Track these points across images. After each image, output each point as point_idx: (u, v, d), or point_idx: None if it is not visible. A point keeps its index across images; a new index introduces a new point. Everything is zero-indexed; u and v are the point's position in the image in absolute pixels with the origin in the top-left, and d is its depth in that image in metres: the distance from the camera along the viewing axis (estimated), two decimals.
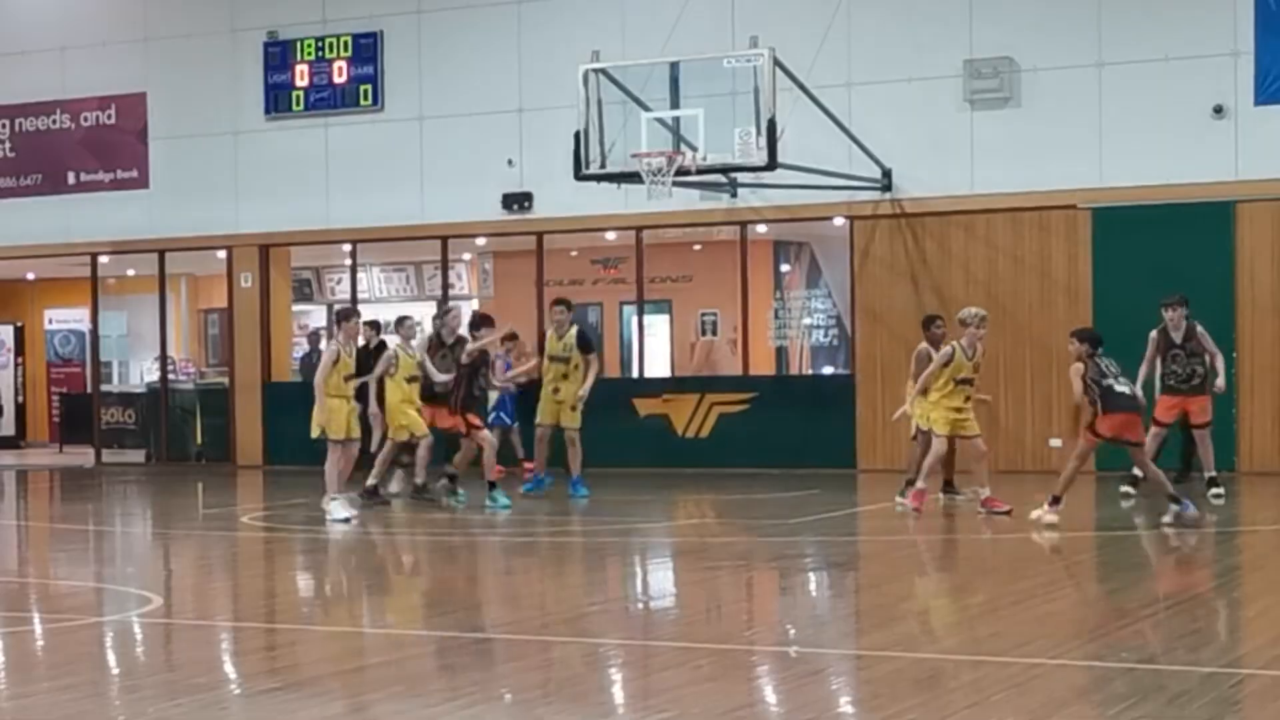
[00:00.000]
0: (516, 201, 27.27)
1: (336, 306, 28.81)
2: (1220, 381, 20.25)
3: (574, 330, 21.47)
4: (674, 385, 27.56)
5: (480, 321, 21.58)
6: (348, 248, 29.66)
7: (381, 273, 34.40)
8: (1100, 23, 24.29)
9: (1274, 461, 23.43)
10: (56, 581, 15.91)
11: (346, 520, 18.85)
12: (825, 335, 29.24)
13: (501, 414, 23.46)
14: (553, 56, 26.14)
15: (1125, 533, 17.94)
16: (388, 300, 33.90)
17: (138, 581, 15.49)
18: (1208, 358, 20.11)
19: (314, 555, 17.48)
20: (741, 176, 24.03)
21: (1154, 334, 20.00)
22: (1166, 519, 17.40)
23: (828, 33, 24.35)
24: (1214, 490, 19.79)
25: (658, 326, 30.20)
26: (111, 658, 11.80)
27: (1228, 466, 23.23)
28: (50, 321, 36.98)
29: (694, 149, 22.01)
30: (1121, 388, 17.53)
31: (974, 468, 19.06)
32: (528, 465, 22.62)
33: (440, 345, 20.83)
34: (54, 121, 30.54)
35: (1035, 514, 17.68)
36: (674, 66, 22.47)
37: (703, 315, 30.68)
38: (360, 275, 31.39)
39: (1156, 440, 19.64)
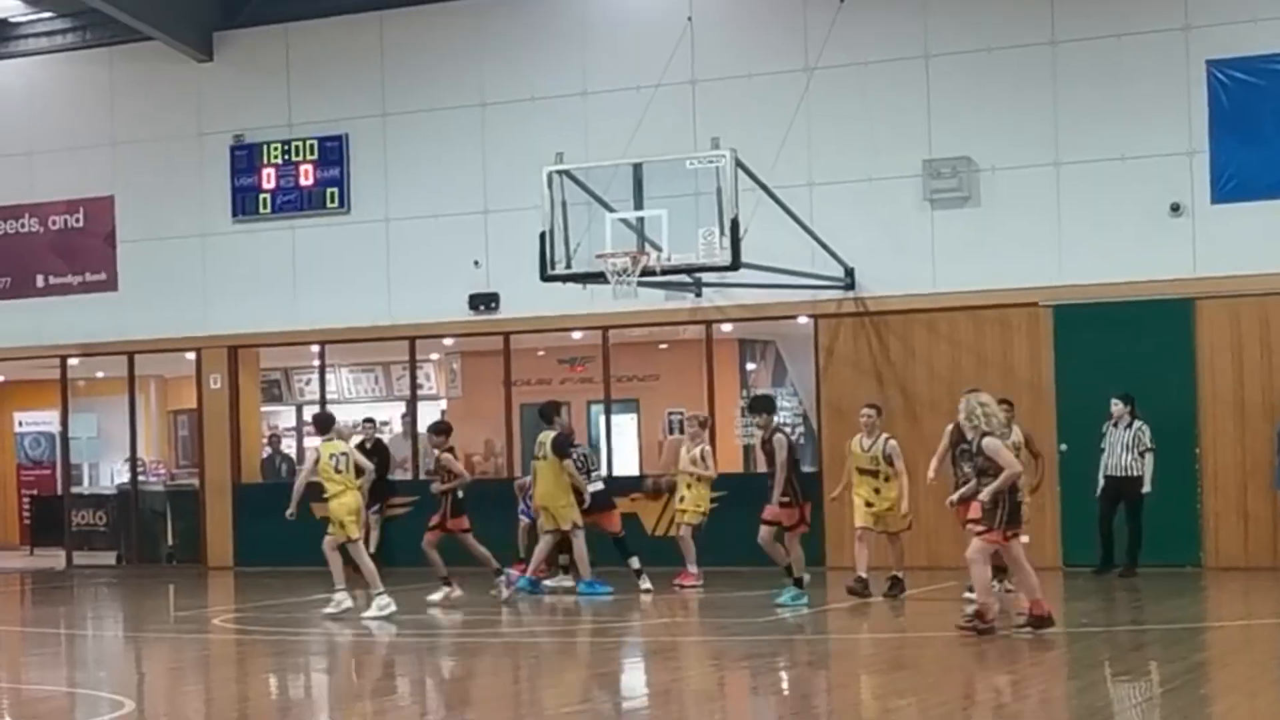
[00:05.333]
0: (483, 302, 27.46)
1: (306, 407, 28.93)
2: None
3: None
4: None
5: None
6: (316, 349, 29.79)
7: (350, 373, 34.54)
8: (1057, 122, 24.62)
9: (1239, 558, 23.54)
10: (29, 686, 15.93)
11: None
12: (792, 433, 29.33)
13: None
14: (517, 158, 26.34)
15: (1093, 630, 18.07)
16: (356, 400, 34.02)
17: (110, 686, 15.56)
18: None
19: (286, 658, 17.54)
20: (706, 276, 24.18)
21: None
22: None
23: (788, 134, 24.60)
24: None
25: (625, 425, 30.31)
26: None
27: (1194, 562, 23.44)
28: (20, 424, 36.96)
29: (658, 249, 22.14)
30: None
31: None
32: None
33: None
34: (22, 225, 30.65)
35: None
36: (637, 168, 22.61)
37: (670, 414, 30.83)
38: (329, 376, 31.52)
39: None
